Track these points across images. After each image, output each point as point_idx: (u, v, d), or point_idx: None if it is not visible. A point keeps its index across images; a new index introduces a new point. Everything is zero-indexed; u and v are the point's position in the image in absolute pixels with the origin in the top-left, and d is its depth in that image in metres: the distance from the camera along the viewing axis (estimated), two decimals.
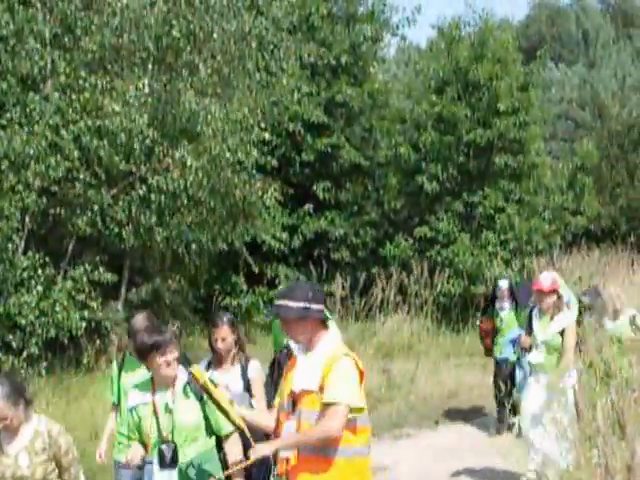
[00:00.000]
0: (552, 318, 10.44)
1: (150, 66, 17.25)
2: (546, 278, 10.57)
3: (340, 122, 24.07)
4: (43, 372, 15.16)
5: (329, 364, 5.76)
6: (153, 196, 17.10)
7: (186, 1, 17.53)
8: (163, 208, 17.60)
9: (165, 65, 17.68)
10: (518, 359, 12.62)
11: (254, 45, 18.86)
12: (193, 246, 18.73)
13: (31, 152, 15.05)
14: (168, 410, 6.39)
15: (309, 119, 22.95)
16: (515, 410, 11.74)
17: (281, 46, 20.69)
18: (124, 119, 15.93)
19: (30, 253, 15.66)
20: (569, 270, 21.15)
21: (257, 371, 7.80)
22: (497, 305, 14.09)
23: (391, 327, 20.11)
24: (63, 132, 15.59)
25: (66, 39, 16.50)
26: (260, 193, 19.56)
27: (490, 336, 14.16)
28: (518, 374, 12.57)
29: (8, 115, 15.53)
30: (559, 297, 10.52)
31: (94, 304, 16.23)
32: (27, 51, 15.81)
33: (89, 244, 17.38)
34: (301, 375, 5.89)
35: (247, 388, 7.69)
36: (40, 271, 15.56)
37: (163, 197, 17.24)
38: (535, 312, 10.71)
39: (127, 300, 18.28)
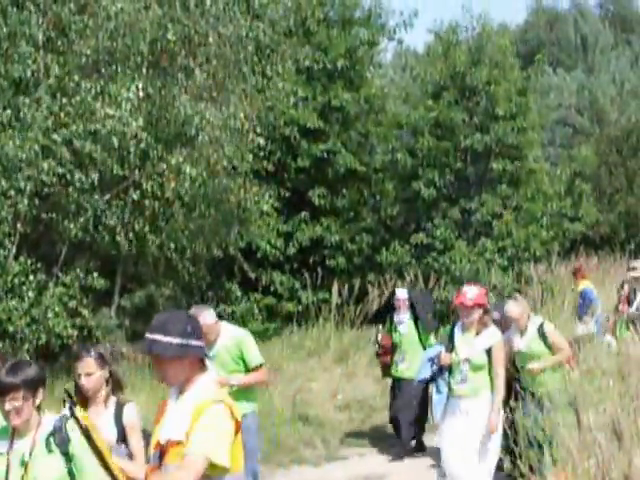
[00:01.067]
0: (478, 334, 9.68)
1: (144, 70, 17.07)
2: (470, 291, 9.72)
3: (336, 127, 23.83)
4: None
5: (198, 411, 4.93)
6: (147, 202, 16.93)
7: (181, 5, 17.39)
8: (157, 214, 17.45)
9: (160, 69, 17.54)
10: (433, 379, 10.45)
11: (250, 49, 18.70)
12: (187, 252, 18.57)
13: (24, 156, 14.86)
14: (23, 463, 5.36)
15: (305, 124, 22.72)
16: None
17: (277, 50, 20.54)
18: (118, 123, 15.74)
19: (22, 258, 15.48)
20: (567, 277, 20.96)
21: (133, 417, 6.62)
22: (395, 318, 12.92)
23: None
24: (55, 136, 15.38)
25: (59, 42, 16.35)
26: (256, 199, 19.38)
27: (388, 353, 13.00)
28: (435, 397, 10.47)
29: None
30: (486, 312, 9.75)
31: (85, 311, 16.05)
32: (19, 54, 15.62)
33: (81, 250, 17.20)
34: (169, 423, 5.07)
35: (122, 437, 6.56)
36: (32, 277, 15.38)
37: (157, 203, 17.08)
38: (458, 327, 9.87)
39: (120, 307, 18.11)
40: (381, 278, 21.78)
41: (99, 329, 16.77)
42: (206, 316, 8.79)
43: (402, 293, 12.91)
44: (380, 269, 23.05)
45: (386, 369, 13.25)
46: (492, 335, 9.70)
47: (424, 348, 12.38)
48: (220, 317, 10.00)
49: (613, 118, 37.38)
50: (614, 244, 30.39)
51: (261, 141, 18.96)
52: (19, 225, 15.60)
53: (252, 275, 22.15)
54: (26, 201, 15.16)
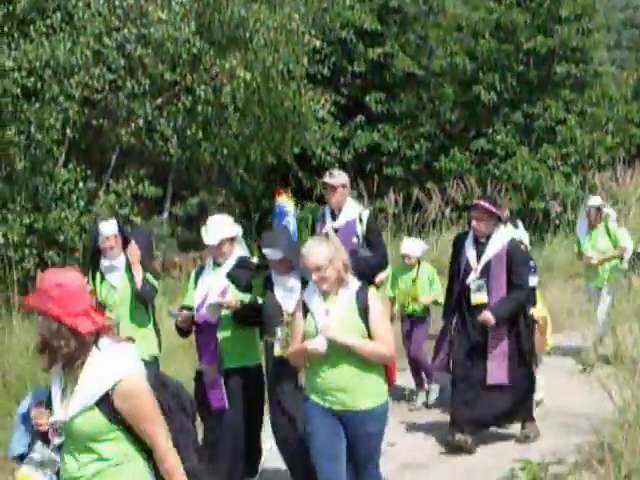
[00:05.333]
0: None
1: None
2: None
3: (393, 29, 23.36)
4: None
5: None
6: (200, 107, 16.59)
7: None
8: (209, 120, 17.12)
9: None
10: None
11: None
12: (241, 159, 18.26)
13: (75, 62, 14.51)
14: None
15: (361, 26, 22.22)
16: None
17: None
18: (169, 27, 15.33)
19: (71, 166, 15.23)
20: (633, 186, 20.35)
21: None
22: (103, 264, 8.31)
23: (446, 244, 19.44)
24: (106, 40, 15.01)
25: None
26: (311, 104, 18.92)
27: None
28: None
29: (48, 21, 14.93)
30: None
31: (137, 219, 15.83)
32: None
33: (132, 157, 17.01)
34: None
35: None
36: (81, 184, 15.12)
37: (210, 108, 16.73)
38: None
39: (172, 215, 17.89)
40: (440, 186, 21.29)
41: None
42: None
43: (108, 227, 8.16)
44: (439, 176, 22.57)
45: None
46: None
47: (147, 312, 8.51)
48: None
49: None
50: None
51: (317, 43, 18.43)
52: (68, 131, 15.31)
53: (307, 183, 21.81)
54: (76, 107, 14.86)
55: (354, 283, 6.18)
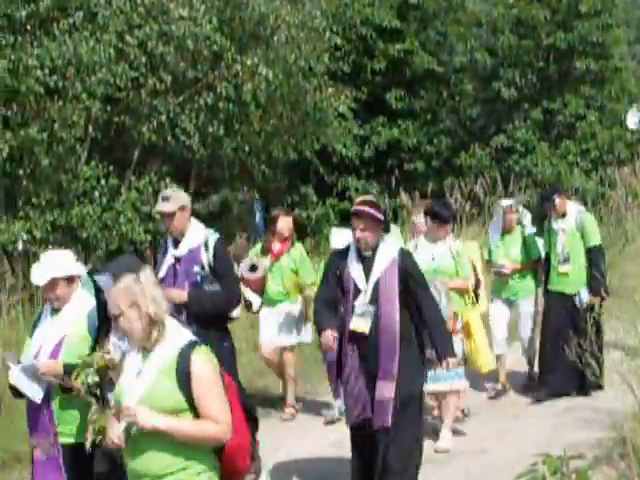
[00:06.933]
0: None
1: None
2: None
3: (413, 26, 23.31)
4: None
5: None
6: (221, 104, 16.69)
7: None
8: (231, 117, 17.21)
9: None
10: None
11: None
12: (262, 155, 18.35)
13: (97, 60, 14.65)
14: None
15: (381, 23, 22.22)
16: None
17: None
18: (191, 24, 15.45)
19: (93, 163, 15.38)
20: None
21: None
22: None
23: (467, 239, 19.47)
24: (128, 37, 15.16)
25: None
26: (332, 100, 18.99)
27: None
28: None
29: (71, 20, 15.07)
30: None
31: (159, 216, 15.94)
32: None
33: (154, 154, 17.11)
34: None
35: None
36: (103, 181, 15.29)
37: (232, 105, 16.83)
38: None
39: (194, 211, 17.99)
40: (461, 182, 21.27)
41: None
42: None
43: None
44: (460, 172, 22.58)
45: None
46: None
47: None
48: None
49: None
50: None
51: (338, 40, 18.49)
52: (91, 129, 15.46)
53: (328, 179, 21.88)
54: (98, 105, 15.01)
55: (180, 337, 4.49)
